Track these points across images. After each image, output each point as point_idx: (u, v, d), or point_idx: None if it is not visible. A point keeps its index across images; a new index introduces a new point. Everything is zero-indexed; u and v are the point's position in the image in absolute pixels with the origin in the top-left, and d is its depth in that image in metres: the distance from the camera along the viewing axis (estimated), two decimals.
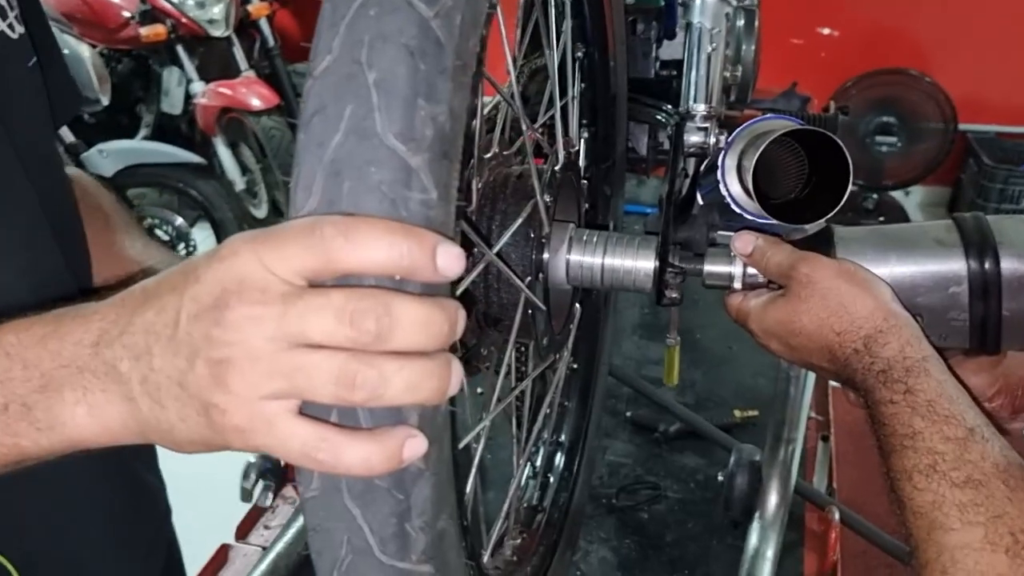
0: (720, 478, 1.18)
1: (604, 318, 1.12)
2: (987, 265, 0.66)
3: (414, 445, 0.42)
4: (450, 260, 0.41)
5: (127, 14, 3.70)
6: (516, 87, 0.69)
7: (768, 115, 0.82)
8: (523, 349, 0.83)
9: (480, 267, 0.65)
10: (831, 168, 0.73)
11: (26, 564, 0.78)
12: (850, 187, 0.72)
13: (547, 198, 0.73)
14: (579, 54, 0.94)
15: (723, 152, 0.79)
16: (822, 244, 0.73)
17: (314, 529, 0.47)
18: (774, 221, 0.75)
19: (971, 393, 0.61)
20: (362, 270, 0.40)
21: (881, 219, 4.05)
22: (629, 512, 1.23)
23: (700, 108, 0.83)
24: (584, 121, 1.02)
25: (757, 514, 1.12)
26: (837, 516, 1.14)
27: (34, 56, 0.73)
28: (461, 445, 0.60)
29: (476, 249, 0.64)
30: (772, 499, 1.11)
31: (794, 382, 1.05)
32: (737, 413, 1.40)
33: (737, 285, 0.75)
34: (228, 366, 0.40)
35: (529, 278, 0.71)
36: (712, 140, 0.83)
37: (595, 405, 1.09)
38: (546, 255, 0.74)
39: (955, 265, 0.67)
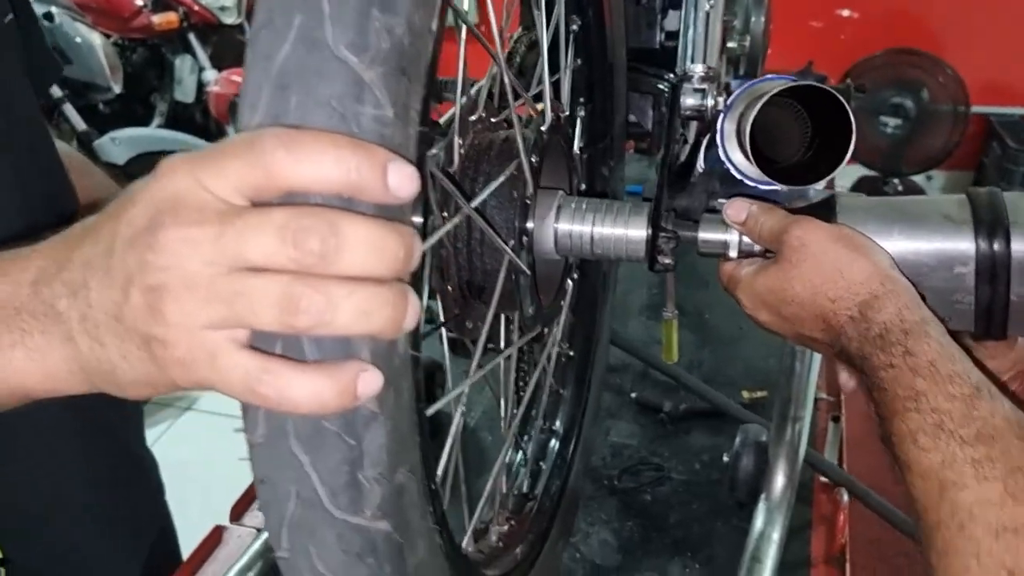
0: (726, 459, 1.15)
1: (602, 302, 1.09)
2: (996, 246, 0.61)
3: (368, 380, 0.39)
4: (402, 179, 0.38)
5: (140, 2, 3.72)
6: (498, 37, 0.66)
7: (768, 76, 0.79)
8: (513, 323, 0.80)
9: (456, 219, 0.63)
10: (834, 127, 0.70)
11: (10, 536, 0.77)
12: (853, 144, 0.69)
13: (533, 159, 0.70)
14: (574, 27, 0.91)
15: (722, 116, 0.76)
16: (823, 212, 0.69)
17: (261, 480, 0.44)
18: (776, 185, 0.72)
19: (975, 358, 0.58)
20: (306, 187, 0.37)
21: None
22: (632, 494, 1.20)
23: (698, 69, 0.80)
24: (581, 98, 0.99)
25: (763, 495, 1.08)
26: (846, 498, 1.11)
27: (10, 13, 0.72)
28: (432, 410, 0.58)
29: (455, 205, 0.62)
30: (779, 480, 1.08)
31: (800, 357, 1.01)
32: (745, 394, 1.36)
33: (732, 253, 0.72)
34: (163, 293, 0.37)
35: (512, 242, 0.69)
36: (710, 103, 0.79)
37: (592, 392, 1.06)
38: (531, 222, 0.71)
39: (963, 244, 0.62)
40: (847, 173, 4.06)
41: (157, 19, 3.70)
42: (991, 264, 0.61)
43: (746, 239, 0.72)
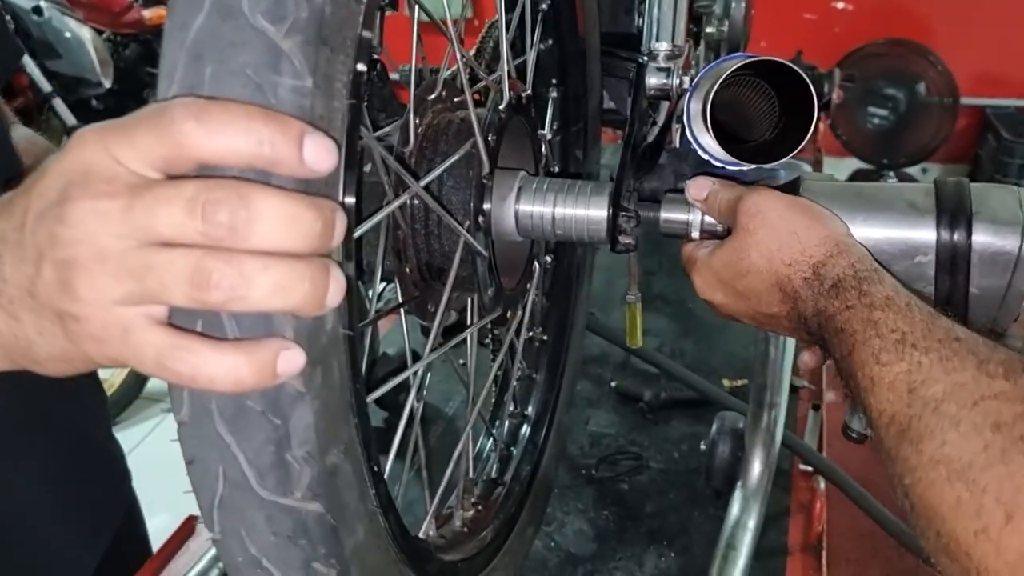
0: (703, 447, 1.14)
1: (576, 288, 1.08)
2: (957, 237, 0.60)
3: (289, 358, 0.38)
4: (319, 152, 0.37)
5: None
6: (450, 16, 0.65)
7: (734, 55, 0.78)
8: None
9: (403, 198, 0.62)
10: (798, 106, 0.69)
11: None
12: (815, 121, 0.68)
13: (490, 138, 0.69)
14: (543, 6, 0.90)
15: (688, 96, 0.75)
16: (786, 192, 0.68)
17: (190, 460, 0.43)
18: (743, 165, 0.71)
19: None
20: (219, 159, 0.36)
21: None
22: (609, 483, 1.19)
23: (662, 47, 0.79)
24: (553, 80, 0.98)
25: (739, 483, 1.07)
26: (823, 486, 1.10)
27: None
28: (378, 393, 0.57)
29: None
30: (755, 467, 1.07)
31: (774, 342, 1.00)
32: (726, 382, 1.35)
33: (695, 233, 0.71)
34: (74, 268, 0.36)
35: (468, 223, 0.67)
36: (675, 82, 0.78)
37: (566, 378, 1.04)
38: (488, 203, 0.70)
39: (924, 233, 0.61)
40: (843, 166, 4.05)
41: (148, 14, 3.69)
42: (951, 255, 0.60)
43: (708, 219, 0.71)
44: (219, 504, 0.44)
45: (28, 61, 3.12)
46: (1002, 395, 0.44)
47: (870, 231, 0.63)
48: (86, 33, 3.32)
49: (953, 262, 0.60)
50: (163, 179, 0.36)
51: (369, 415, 0.51)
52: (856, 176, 4.02)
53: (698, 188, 0.69)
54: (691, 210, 0.72)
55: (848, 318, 0.53)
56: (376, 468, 0.52)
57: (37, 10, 3.20)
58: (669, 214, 0.72)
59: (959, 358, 0.47)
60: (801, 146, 0.68)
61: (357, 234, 0.52)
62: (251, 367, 0.37)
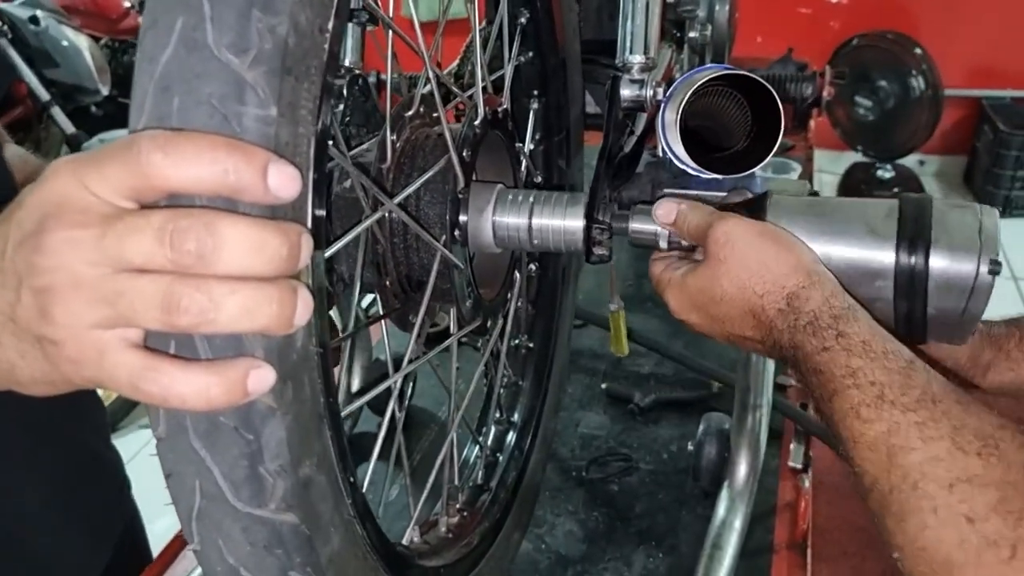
0: (690, 447, 1.16)
1: (562, 296, 1.09)
2: (915, 262, 0.61)
3: (259, 376, 0.40)
4: (283, 179, 0.38)
5: (127, 4, 3.72)
6: (419, 33, 0.66)
7: (708, 66, 0.79)
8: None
9: (376, 215, 0.63)
10: (769, 115, 0.70)
11: None
12: (782, 131, 0.70)
13: (465, 154, 0.70)
14: (522, 19, 0.91)
15: (663, 106, 0.77)
16: (755, 209, 0.69)
17: (168, 474, 0.45)
18: (715, 175, 0.72)
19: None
20: (186, 189, 0.38)
21: (896, 190, 3.97)
22: (599, 484, 1.21)
23: (636, 59, 0.80)
24: (534, 91, 0.99)
25: (726, 483, 1.09)
26: (808, 484, 1.11)
27: None
28: (354, 406, 0.58)
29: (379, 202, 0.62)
30: (741, 468, 1.08)
31: None
32: (715, 384, 1.36)
33: (663, 244, 0.72)
34: (50, 295, 0.38)
35: (445, 237, 0.69)
36: (649, 93, 0.79)
37: (552, 385, 1.06)
38: (464, 215, 0.71)
39: (883, 259, 0.62)
40: (842, 159, 4.05)
41: None
42: (908, 281, 0.61)
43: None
44: (197, 516, 0.45)
45: (26, 70, 3.14)
46: (976, 479, 0.47)
47: (832, 252, 0.64)
48: (83, 41, 3.34)
49: (911, 288, 0.62)
50: (135, 209, 0.38)
51: (343, 427, 0.53)
52: (853, 171, 4.03)
53: (666, 211, 0.70)
54: None
55: (826, 360, 0.55)
56: (352, 479, 0.53)
57: (34, 19, 3.22)
58: (638, 225, 0.73)
59: (935, 424, 0.49)
60: (768, 157, 0.70)
61: (329, 253, 0.53)
62: (221, 387, 0.39)
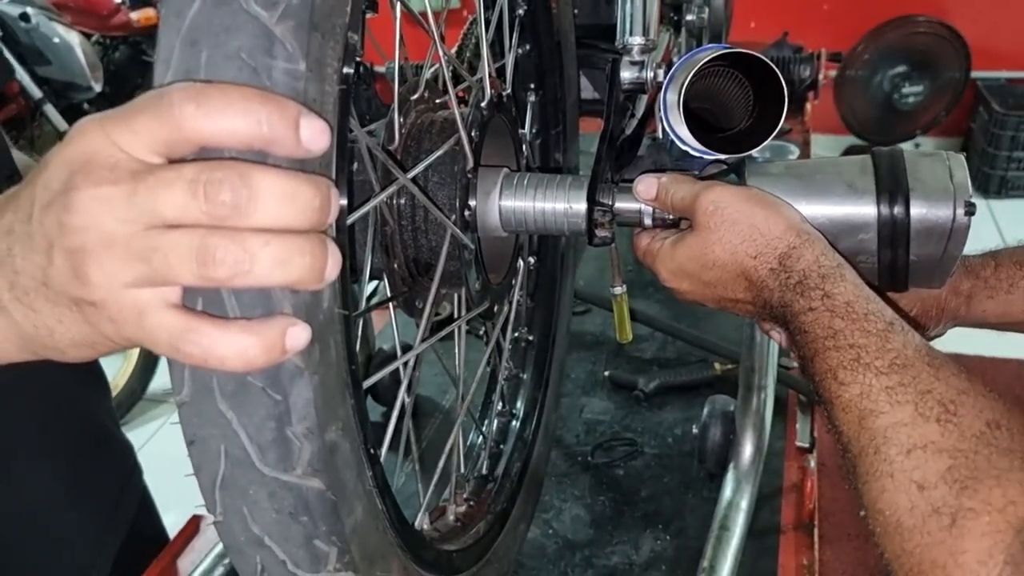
0: (695, 430, 1.16)
1: (561, 287, 1.09)
2: (896, 213, 0.63)
3: (295, 334, 0.39)
4: (314, 132, 0.38)
5: (118, 0, 3.69)
6: (432, 15, 0.66)
7: (709, 45, 0.79)
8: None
9: (391, 189, 0.63)
10: (771, 94, 0.70)
11: None
12: (786, 110, 0.70)
13: (473, 134, 0.70)
14: (520, 11, 0.91)
15: (664, 88, 0.77)
16: (733, 177, 0.70)
17: (191, 441, 0.44)
18: (718, 156, 0.73)
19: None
20: (218, 141, 0.37)
21: None
22: (604, 469, 1.21)
23: (636, 41, 0.80)
24: (531, 85, 0.99)
25: (731, 465, 1.09)
26: (813, 464, 1.12)
27: None
28: (371, 381, 0.58)
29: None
30: (746, 449, 1.08)
31: (759, 326, 1.02)
32: (717, 366, 1.36)
33: (647, 221, 0.73)
34: (84, 255, 0.37)
35: (454, 217, 0.69)
36: (649, 75, 0.79)
37: (552, 376, 1.06)
38: (473, 198, 0.71)
39: (865, 212, 0.65)
40: (838, 142, 4.06)
41: (136, 16, 3.69)
42: (891, 231, 0.64)
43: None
44: (221, 483, 0.45)
45: (18, 68, 3.12)
46: (930, 445, 0.49)
47: (814, 212, 0.66)
48: (75, 38, 3.33)
49: (893, 237, 0.64)
50: (164, 163, 0.38)
51: (364, 398, 0.52)
52: (850, 152, 4.03)
53: (646, 187, 0.71)
54: None
55: (811, 321, 0.57)
56: (372, 451, 0.53)
57: (24, 17, 3.20)
58: (622, 204, 0.73)
59: (903, 388, 0.51)
60: (771, 136, 0.70)
61: (348, 221, 0.53)
62: (260, 345, 0.38)
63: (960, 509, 0.46)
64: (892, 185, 0.64)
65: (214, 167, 0.37)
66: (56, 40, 3.27)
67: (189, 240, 0.36)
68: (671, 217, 0.71)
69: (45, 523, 0.84)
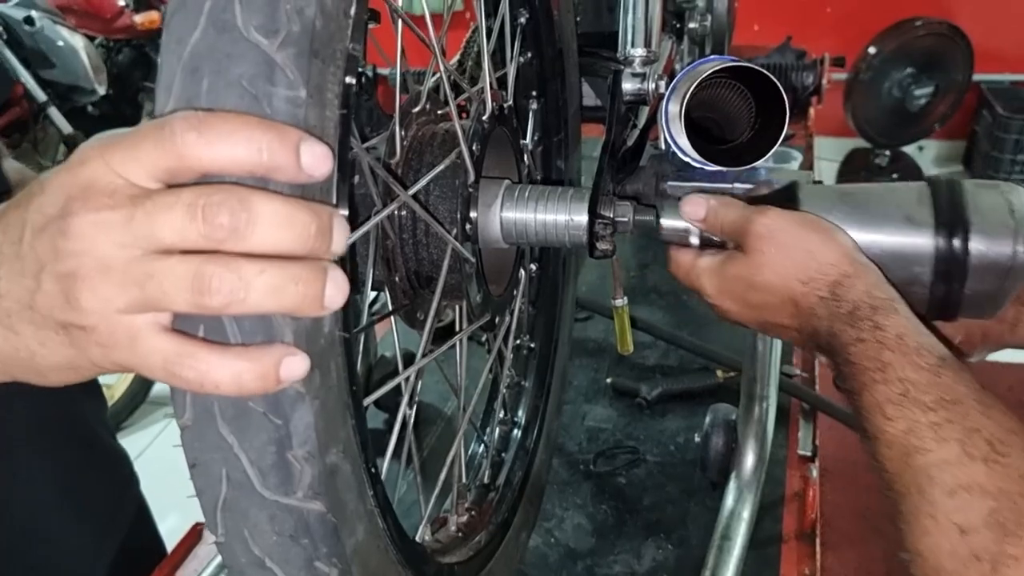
0: (697, 439, 1.16)
1: (562, 295, 1.09)
2: (955, 248, 0.61)
3: (292, 364, 0.39)
4: (315, 158, 0.38)
5: (122, 2, 3.70)
6: (431, 27, 0.66)
7: (711, 57, 0.79)
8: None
9: (392, 207, 0.63)
10: (773, 106, 0.70)
11: None
12: (787, 123, 0.70)
13: (474, 147, 0.70)
14: (521, 19, 0.90)
15: (666, 99, 0.76)
16: (786, 201, 0.68)
17: (193, 464, 0.44)
18: (719, 168, 0.72)
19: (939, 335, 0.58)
20: (219, 168, 0.37)
21: (895, 176, 3.98)
22: (606, 477, 1.21)
23: (638, 53, 0.80)
24: (533, 92, 0.99)
25: (733, 474, 1.09)
26: (815, 474, 1.11)
27: None
28: (372, 398, 0.58)
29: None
30: (749, 459, 1.08)
31: (761, 336, 1.02)
32: (720, 374, 1.36)
33: (694, 241, 0.71)
34: (77, 280, 0.37)
35: (456, 231, 0.69)
36: (651, 86, 0.79)
37: (554, 384, 1.06)
38: (474, 211, 0.71)
39: (922, 245, 0.62)
40: (840, 146, 4.05)
41: (140, 18, 3.69)
42: (948, 266, 0.62)
43: None
44: (223, 506, 0.45)
45: (22, 71, 3.13)
46: (976, 487, 0.47)
47: (868, 243, 0.63)
48: (78, 41, 3.33)
49: (949, 273, 0.62)
50: (163, 189, 0.38)
51: (365, 417, 0.52)
52: (853, 156, 4.03)
53: (694, 207, 0.69)
54: None
55: (860, 352, 0.56)
56: (373, 470, 0.53)
57: (29, 20, 3.21)
58: (669, 221, 0.71)
59: (950, 425, 0.50)
60: (773, 149, 0.70)
61: (349, 241, 0.53)
62: (254, 372, 0.38)
63: (1002, 556, 0.45)
64: (952, 219, 0.61)
65: (213, 191, 0.37)
66: (60, 43, 3.27)
67: (185, 267, 0.36)
68: (718, 239, 0.69)
69: (40, 533, 0.84)
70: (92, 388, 0.96)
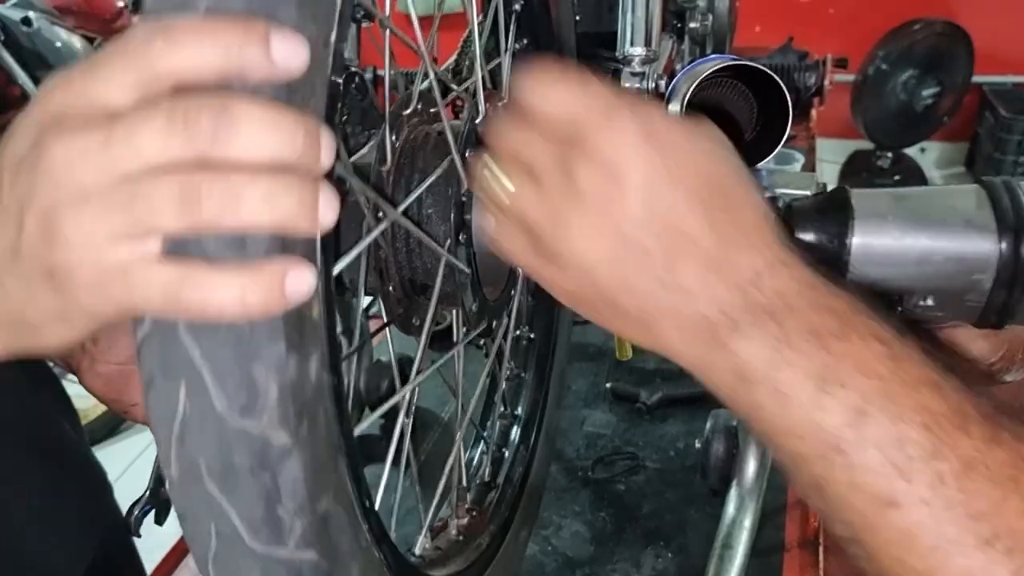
0: (698, 445, 1.14)
1: None
2: (1021, 251, 0.57)
3: (298, 276, 0.37)
4: (287, 48, 0.35)
5: (121, 3, 3.68)
6: (419, 30, 0.65)
7: (712, 56, 0.78)
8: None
9: (383, 226, 0.61)
10: (775, 106, 0.69)
11: None
12: (791, 122, 0.68)
13: (467, 154, 0.69)
14: (516, 6, 0.89)
15: (666, 99, 0.75)
16: (837, 210, 0.65)
17: (182, 516, 0.43)
18: None
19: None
20: (190, 74, 0.35)
21: (896, 178, 3.96)
22: (605, 484, 1.19)
23: (637, 52, 0.78)
24: None
25: (735, 481, 1.07)
26: None
27: None
28: (371, 418, 0.57)
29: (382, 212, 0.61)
30: (750, 466, 1.06)
31: None
32: None
33: None
34: (56, 212, 0.35)
35: (449, 240, 0.67)
36: (651, 86, 0.78)
37: (554, 377, 1.04)
38: (469, 215, 0.69)
39: (985, 252, 0.58)
40: (841, 147, 4.03)
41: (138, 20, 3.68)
42: (1012, 271, 0.58)
43: None
44: (213, 559, 0.43)
45: (20, 72, 3.11)
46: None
47: (931, 251, 0.60)
48: (77, 42, 3.30)
49: (1013, 279, 0.59)
50: (138, 104, 0.35)
51: (357, 452, 0.51)
52: (855, 158, 4.01)
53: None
54: None
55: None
56: (368, 502, 0.52)
57: (26, 21, 3.18)
58: None
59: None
60: (776, 149, 0.68)
61: (337, 270, 0.51)
62: (258, 287, 0.36)
63: None
64: (1016, 223, 0.58)
65: (192, 95, 0.35)
66: (58, 44, 3.25)
67: (171, 180, 0.34)
68: None
69: (12, 538, 0.82)
70: (59, 392, 0.94)
